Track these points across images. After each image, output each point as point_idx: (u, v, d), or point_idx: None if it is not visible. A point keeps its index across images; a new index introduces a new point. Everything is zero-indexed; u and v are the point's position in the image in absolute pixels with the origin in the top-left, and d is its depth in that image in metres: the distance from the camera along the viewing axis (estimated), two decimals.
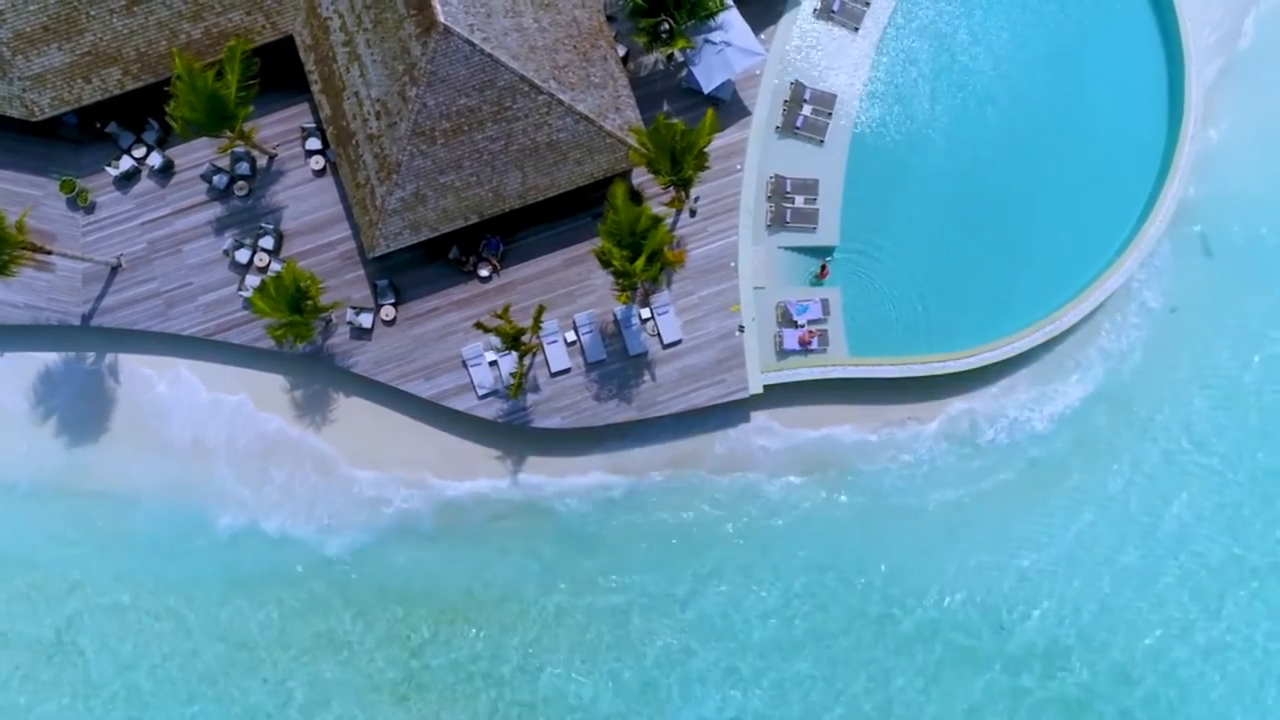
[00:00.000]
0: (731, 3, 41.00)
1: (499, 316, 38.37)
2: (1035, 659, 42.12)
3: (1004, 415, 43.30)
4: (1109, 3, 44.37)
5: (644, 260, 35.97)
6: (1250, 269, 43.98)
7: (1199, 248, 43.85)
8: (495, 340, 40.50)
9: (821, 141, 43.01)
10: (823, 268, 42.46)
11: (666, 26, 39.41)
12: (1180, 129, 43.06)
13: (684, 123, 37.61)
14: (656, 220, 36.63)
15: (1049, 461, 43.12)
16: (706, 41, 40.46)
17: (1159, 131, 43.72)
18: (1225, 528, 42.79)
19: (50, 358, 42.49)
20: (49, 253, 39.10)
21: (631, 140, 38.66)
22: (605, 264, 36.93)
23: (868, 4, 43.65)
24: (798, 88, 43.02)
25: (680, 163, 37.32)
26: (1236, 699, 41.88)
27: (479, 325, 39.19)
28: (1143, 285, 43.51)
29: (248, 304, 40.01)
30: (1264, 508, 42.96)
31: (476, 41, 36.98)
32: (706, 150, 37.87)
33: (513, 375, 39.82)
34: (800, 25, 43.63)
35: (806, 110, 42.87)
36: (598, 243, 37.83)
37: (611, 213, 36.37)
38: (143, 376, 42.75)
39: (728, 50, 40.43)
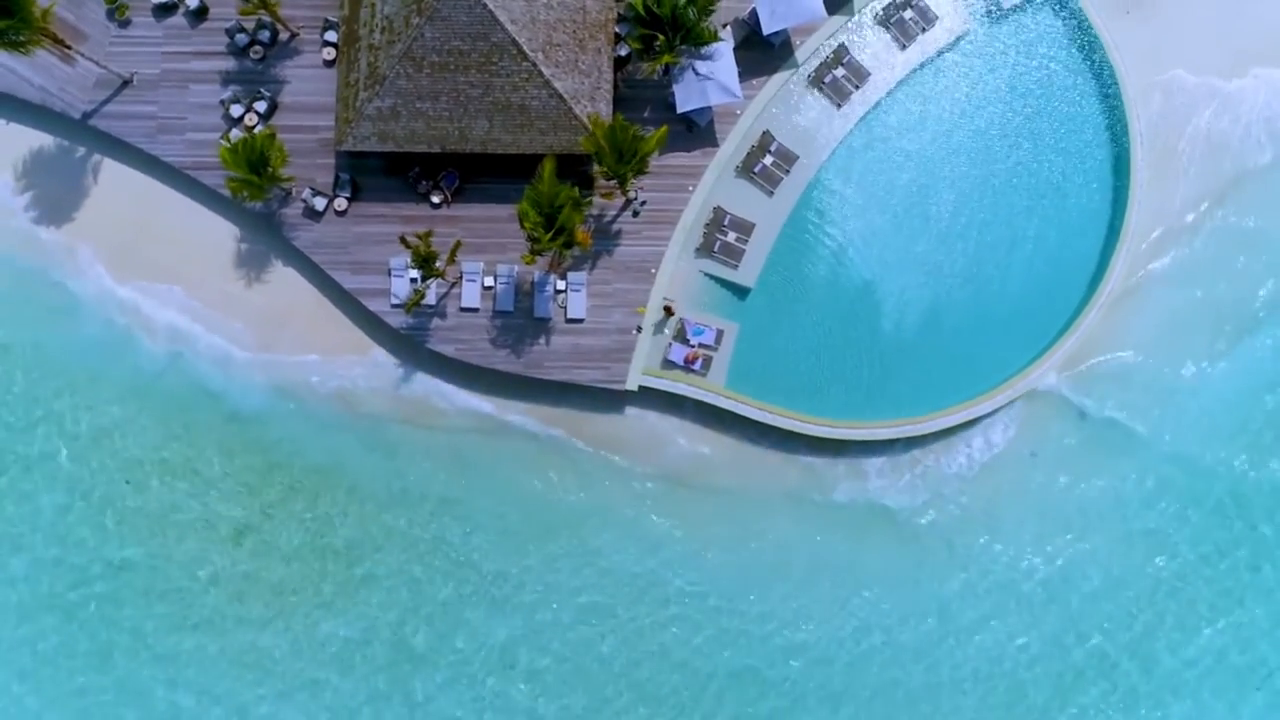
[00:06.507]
0: (727, 38, 44.36)
1: (419, 237, 42.11)
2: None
3: (851, 485, 46.29)
4: (1077, 159, 47.15)
5: (552, 232, 39.54)
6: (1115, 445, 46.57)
7: (1073, 410, 46.39)
8: None
9: (772, 192, 46.16)
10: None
11: (659, 41, 42.80)
12: (1093, 297, 45.71)
13: (639, 128, 41.16)
14: (575, 202, 40.15)
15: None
16: (693, 68, 43.83)
17: (1077, 291, 46.36)
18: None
19: (44, 139, 46.83)
20: (69, 47, 43.53)
21: (590, 127, 42.18)
22: (521, 224, 40.53)
23: (858, 86, 46.69)
24: (767, 138, 46.20)
25: (623, 160, 40.84)
26: None
27: (402, 239, 42.95)
28: (1005, 424, 46.27)
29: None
30: None
31: None
32: (649, 158, 41.37)
33: (415, 293, 43.59)
34: (791, 84, 46.77)
35: (768, 160, 46.06)
36: None
37: (538, 182, 39.97)
38: (118, 185, 46.86)
39: (709, 81, 43.75)
